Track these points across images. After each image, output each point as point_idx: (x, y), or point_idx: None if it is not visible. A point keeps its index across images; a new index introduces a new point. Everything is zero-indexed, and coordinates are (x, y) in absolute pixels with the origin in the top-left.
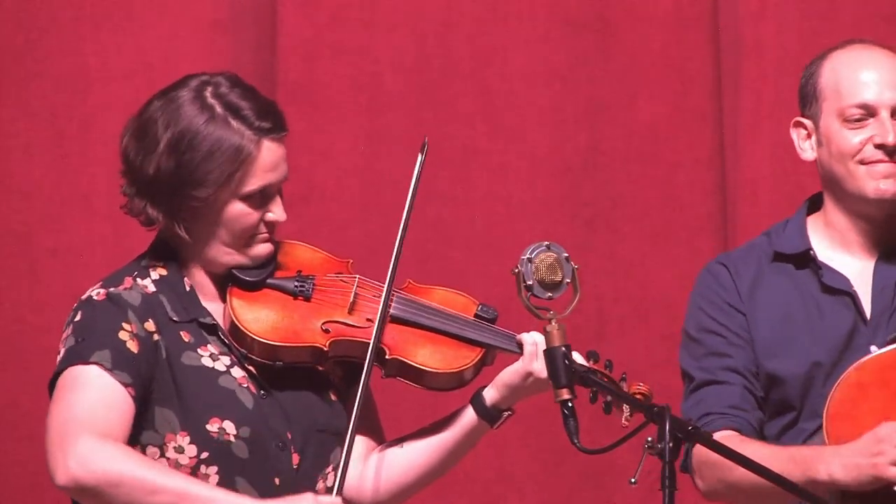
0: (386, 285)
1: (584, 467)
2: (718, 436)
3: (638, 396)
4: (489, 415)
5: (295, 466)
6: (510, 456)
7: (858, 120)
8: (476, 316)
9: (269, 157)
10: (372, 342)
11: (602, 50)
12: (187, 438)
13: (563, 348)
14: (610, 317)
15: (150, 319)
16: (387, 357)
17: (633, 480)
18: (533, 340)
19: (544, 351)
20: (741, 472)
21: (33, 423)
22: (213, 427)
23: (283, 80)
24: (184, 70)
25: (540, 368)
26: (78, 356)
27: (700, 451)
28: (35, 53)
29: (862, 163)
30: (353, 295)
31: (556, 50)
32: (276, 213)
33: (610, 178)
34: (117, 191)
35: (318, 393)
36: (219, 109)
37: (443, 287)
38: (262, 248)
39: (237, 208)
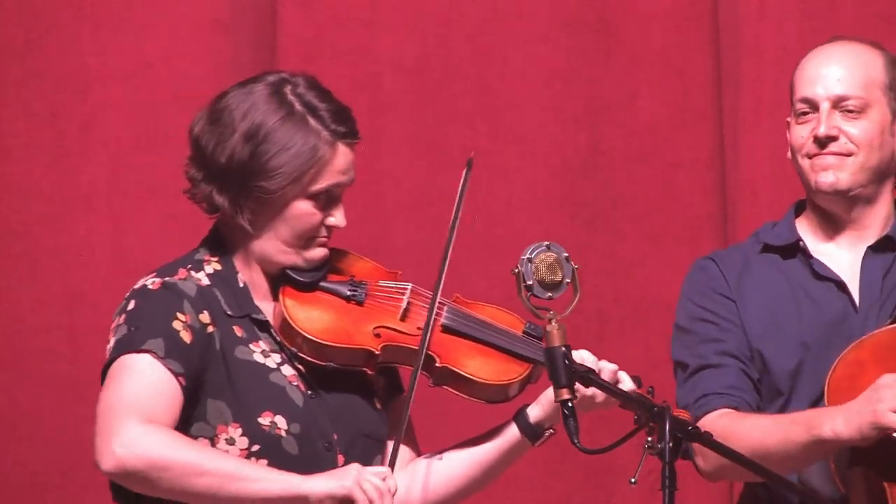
0: (434, 293)
1: (584, 467)
2: (716, 414)
3: None
4: (532, 432)
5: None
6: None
7: (804, 114)
8: (524, 333)
9: (341, 161)
10: (421, 348)
11: (602, 50)
12: (239, 430)
13: (563, 348)
14: (610, 317)
15: (205, 311)
16: (437, 364)
17: (633, 480)
18: (581, 359)
19: (544, 351)
20: (742, 448)
21: (33, 423)
22: (265, 420)
23: None
24: (184, 70)
25: (586, 388)
26: (130, 345)
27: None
28: (35, 53)
29: (808, 157)
30: (405, 303)
31: (556, 50)
32: (338, 218)
33: (610, 178)
34: (117, 190)
35: (365, 399)
36: (298, 107)
37: (489, 304)
38: (318, 252)
39: (302, 206)
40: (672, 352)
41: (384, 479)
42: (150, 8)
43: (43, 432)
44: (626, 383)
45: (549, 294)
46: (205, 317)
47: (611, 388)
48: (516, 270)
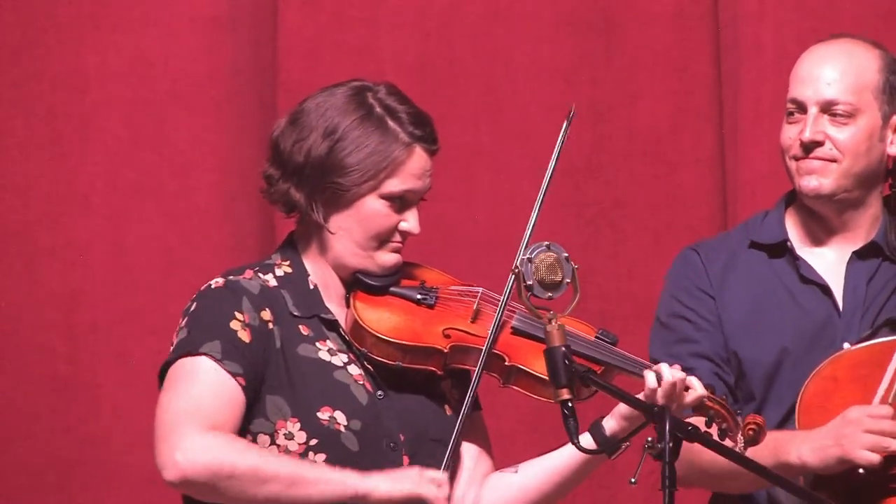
0: (505, 290)
1: None
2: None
3: (752, 427)
4: (608, 444)
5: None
6: (511, 456)
7: (791, 114)
8: (596, 338)
9: (417, 164)
10: (488, 340)
11: (605, 50)
12: (297, 425)
13: (564, 348)
14: (613, 316)
15: (266, 308)
16: (506, 364)
17: (633, 480)
18: (659, 375)
19: (544, 351)
20: (712, 464)
21: (31, 423)
22: (323, 415)
23: (283, 79)
24: (183, 69)
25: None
26: (188, 347)
27: None
28: (33, 52)
29: (794, 159)
30: (476, 306)
31: (559, 50)
32: (411, 223)
33: (612, 178)
34: (115, 189)
35: (436, 404)
36: (377, 109)
37: (561, 314)
38: (390, 258)
39: (376, 206)
40: (650, 347)
41: (439, 487)
42: (149, 6)
43: (40, 431)
44: (698, 389)
45: (549, 294)
46: (266, 314)
47: (610, 388)
48: (516, 270)
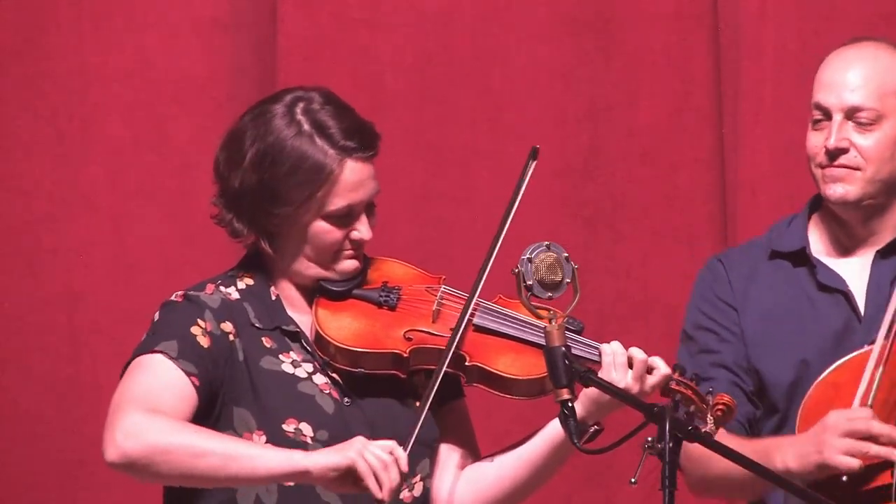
0: (470, 295)
1: (584, 467)
2: None
3: (720, 407)
4: (576, 429)
5: None
6: None
7: (818, 121)
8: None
9: (351, 178)
10: (448, 346)
11: (604, 50)
12: (263, 437)
13: (563, 348)
14: (611, 317)
15: (227, 321)
16: (466, 364)
17: (633, 480)
18: (611, 350)
19: (544, 350)
20: (713, 472)
21: (33, 423)
22: (289, 427)
23: (283, 80)
24: (184, 69)
25: (618, 378)
26: (145, 347)
27: (684, 447)
28: (35, 52)
29: (820, 167)
30: (436, 304)
31: (557, 50)
32: (362, 231)
33: (611, 178)
34: (118, 190)
35: (404, 402)
36: (305, 126)
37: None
38: (348, 265)
39: (320, 226)
40: (677, 357)
41: (390, 452)
42: (150, 7)
43: (43, 432)
44: (662, 369)
45: (549, 294)
46: (227, 326)
47: (610, 388)
48: (516, 270)
